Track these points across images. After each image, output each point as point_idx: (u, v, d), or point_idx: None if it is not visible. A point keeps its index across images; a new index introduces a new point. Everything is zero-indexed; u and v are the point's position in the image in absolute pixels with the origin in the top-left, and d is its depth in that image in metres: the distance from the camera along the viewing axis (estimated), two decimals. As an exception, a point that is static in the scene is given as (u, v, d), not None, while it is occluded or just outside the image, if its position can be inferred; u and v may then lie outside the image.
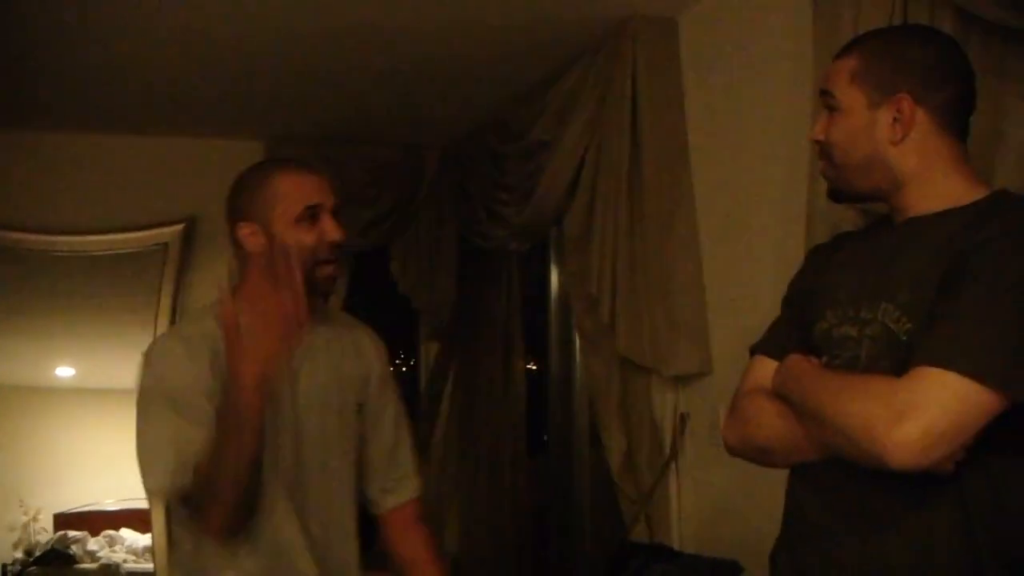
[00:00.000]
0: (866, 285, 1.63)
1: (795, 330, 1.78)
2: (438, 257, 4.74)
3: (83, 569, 7.97)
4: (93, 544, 8.36)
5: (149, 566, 5.29)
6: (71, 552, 8.33)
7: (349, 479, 2.23)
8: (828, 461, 1.60)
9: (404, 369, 6.56)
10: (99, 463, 9.52)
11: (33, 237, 4.56)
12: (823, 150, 1.72)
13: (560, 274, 4.46)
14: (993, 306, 1.43)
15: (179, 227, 4.64)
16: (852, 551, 1.57)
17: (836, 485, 1.61)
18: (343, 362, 2.23)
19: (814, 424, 1.57)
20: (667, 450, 3.23)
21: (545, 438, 4.70)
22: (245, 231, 2.07)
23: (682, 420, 3.20)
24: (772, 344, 1.80)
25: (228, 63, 3.74)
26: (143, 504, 5.99)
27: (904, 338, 1.53)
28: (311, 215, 2.03)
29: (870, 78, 1.64)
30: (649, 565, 2.79)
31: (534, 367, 4.98)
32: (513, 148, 4.00)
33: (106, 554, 8.23)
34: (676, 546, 3.13)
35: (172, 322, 4.61)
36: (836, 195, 1.75)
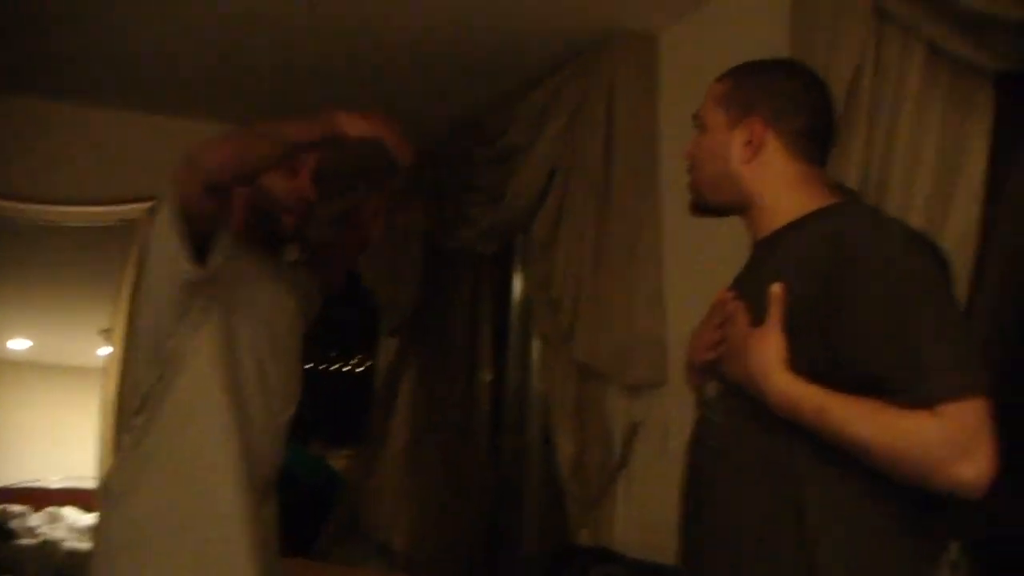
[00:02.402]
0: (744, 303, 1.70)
1: None
2: (405, 252, 4.76)
3: (21, 545, 7.90)
4: (34, 520, 8.29)
5: (90, 545, 5.19)
6: (10, 527, 8.27)
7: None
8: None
9: (360, 370, 6.60)
10: (47, 439, 9.49)
11: (-3, 203, 4.51)
12: (689, 167, 1.83)
13: (524, 280, 4.49)
14: (944, 320, 1.47)
15: (148, 205, 4.59)
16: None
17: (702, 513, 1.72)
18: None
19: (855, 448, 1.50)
20: (617, 457, 3.28)
21: (496, 442, 4.72)
22: None
23: (633, 428, 3.24)
24: None
25: (211, 45, 3.75)
26: (89, 484, 5.94)
27: None
28: (291, 166, 2.27)
29: (732, 100, 1.75)
30: (591, 567, 2.82)
31: (490, 377, 4.98)
32: (487, 150, 4.03)
33: (47, 531, 8.15)
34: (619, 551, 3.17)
35: (132, 301, 4.56)
36: (693, 208, 1.85)
